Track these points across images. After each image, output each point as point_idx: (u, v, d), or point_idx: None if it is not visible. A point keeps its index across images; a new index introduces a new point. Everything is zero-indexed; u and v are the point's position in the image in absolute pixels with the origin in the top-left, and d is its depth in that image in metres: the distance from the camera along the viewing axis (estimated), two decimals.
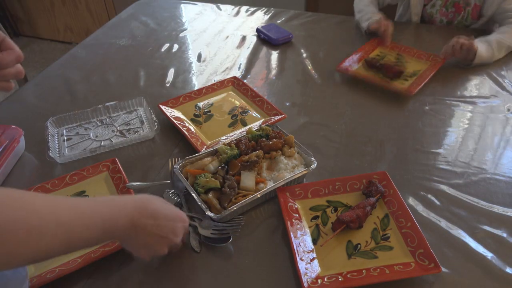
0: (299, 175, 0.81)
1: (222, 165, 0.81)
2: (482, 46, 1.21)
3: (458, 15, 1.44)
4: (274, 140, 0.86)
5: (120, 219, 0.54)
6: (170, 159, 0.90)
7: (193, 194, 0.75)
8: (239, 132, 0.96)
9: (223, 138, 0.95)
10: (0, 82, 0.60)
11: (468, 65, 1.21)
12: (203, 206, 0.73)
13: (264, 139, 0.87)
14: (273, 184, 0.79)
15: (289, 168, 0.83)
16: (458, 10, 1.43)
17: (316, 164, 0.82)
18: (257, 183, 0.79)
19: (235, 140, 0.87)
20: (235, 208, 0.73)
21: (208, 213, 0.72)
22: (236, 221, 0.75)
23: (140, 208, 0.57)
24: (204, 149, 0.89)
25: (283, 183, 0.79)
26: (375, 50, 1.30)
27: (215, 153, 0.85)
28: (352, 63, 1.22)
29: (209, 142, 0.94)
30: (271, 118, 0.99)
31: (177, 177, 0.81)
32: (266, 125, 0.91)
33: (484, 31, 1.44)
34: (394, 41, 1.32)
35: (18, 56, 0.60)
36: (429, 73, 1.15)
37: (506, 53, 1.26)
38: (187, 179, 0.80)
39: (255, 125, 0.97)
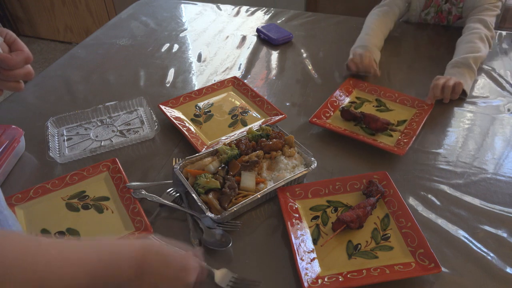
0: (299, 175, 0.81)
1: (223, 165, 0.81)
2: (464, 75, 1.10)
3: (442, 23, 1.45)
4: (274, 140, 0.86)
5: (124, 262, 0.47)
6: (174, 159, 0.90)
7: (193, 195, 0.75)
8: (239, 132, 0.96)
9: (223, 138, 0.95)
10: (10, 82, 0.61)
11: (461, 98, 1.09)
12: (203, 207, 0.73)
13: (264, 139, 0.87)
14: (273, 184, 0.79)
15: (289, 168, 0.83)
16: (442, 20, 1.44)
17: (316, 164, 0.82)
18: (257, 183, 0.79)
19: (235, 140, 0.87)
20: (235, 209, 0.73)
21: (208, 213, 0.72)
22: (232, 224, 0.75)
23: (144, 248, 0.50)
24: (204, 149, 0.89)
25: (283, 183, 0.79)
26: (351, 94, 1.10)
27: (215, 153, 0.85)
28: (326, 113, 1.02)
29: (209, 142, 0.94)
30: (271, 118, 0.99)
31: (177, 177, 0.81)
32: (266, 125, 0.91)
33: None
34: (371, 82, 1.13)
35: (28, 58, 0.60)
36: (418, 125, 0.96)
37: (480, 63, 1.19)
38: (187, 179, 0.80)
39: (255, 125, 0.97)
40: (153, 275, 0.50)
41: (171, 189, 0.81)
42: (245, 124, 0.99)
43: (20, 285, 0.38)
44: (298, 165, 0.84)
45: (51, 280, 0.41)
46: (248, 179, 0.79)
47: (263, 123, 0.98)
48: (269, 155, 0.85)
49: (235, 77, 1.15)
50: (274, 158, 0.85)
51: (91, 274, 0.44)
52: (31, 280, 0.39)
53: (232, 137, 0.93)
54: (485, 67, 1.23)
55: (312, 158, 0.83)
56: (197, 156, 0.84)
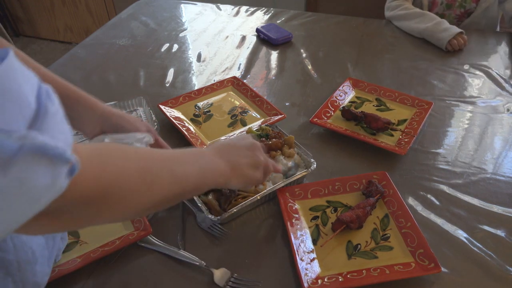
0: (299, 176, 0.81)
1: None
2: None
3: None
4: (274, 140, 0.86)
5: (205, 150, 0.59)
6: None
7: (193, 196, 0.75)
8: (239, 132, 0.96)
9: (223, 138, 0.95)
10: None
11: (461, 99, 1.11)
12: (203, 208, 0.73)
13: (263, 138, 0.87)
14: (272, 186, 0.79)
15: (287, 169, 0.83)
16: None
17: (315, 165, 0.82)
18: None
19: None
20: (235, 210, 0.73)
21: (209, 215, 0.72)
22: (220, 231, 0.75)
23: (212, 144, 0.62)
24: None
25: (282, 184, 0.79)
26: (350, 93, 1.11)
27: None
28: (327, 113, 1.02)
29: (209, 142, 0.94)
30: (271, 118, 0.99)
31: None
32: (266, 125, 0.91)
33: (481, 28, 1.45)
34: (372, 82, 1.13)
35: None
36: (418, 124, 0.96)
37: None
38: None
39: (254, 125, 0.97)
40: (230, 154, 0.61)
41: None
42: (244, 124, 0.99)
43: (169, 179, 0.47)
44: (298, 165, 0.84)
45: (182, 178, 0.50)
46: None
47: (262, 123, 0.98)
48: (268, 154, 0.85)
49: (234, 77, 1.15)
50: (274, 158, 0.85)
51: (200, 175, 0.54)
52: (170, 175, 0.48)
53: (231, 137, 0.93)
54: (485, 67, 1.23)
55: (312, 160, 0.83)
56: None
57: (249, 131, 0.89)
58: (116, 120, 0.70)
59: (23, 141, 0.27)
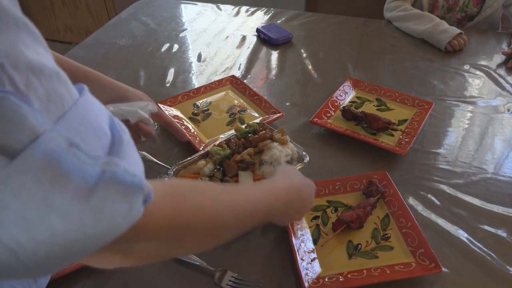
0: None
1: (218, 167, 0.81)
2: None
3: (459, 0, 1.45)
4: (261, 133, 0.86)
5: (274, 206, 0.58)
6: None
7: None
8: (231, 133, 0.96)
9: (222, 136, 0.95)
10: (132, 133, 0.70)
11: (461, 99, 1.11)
12: None
13: (251, 134, 0.87)
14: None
15: (284, 156, 0.81)
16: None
17: (308, 158, 0.81)
18: (254, 181, 0.79)
19: (224, 140, 0.87)
20: None
21: None
22: None
23: (289, 190, 0.61)
24: (201, 147, 0.89)
25: None
26: (351, 93, 1.10)
27: (207, 155, 0.85)
28: (327, 113, 1.02)
29: (207, 140, 0.94)
30: (269, 117, 0.99)
31: None
32: (252, 122, 0.91)
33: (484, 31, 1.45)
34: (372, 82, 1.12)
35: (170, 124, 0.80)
36: (418, 124, 0.96)
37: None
38: None
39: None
40: (291, 210, 0.62)
41: None
42: (243, 123, 0.99)
43: (231, 219, 0.47)
44: (292, 155, 0.83)
45: (246, 220, 0.51)
46: (246, 179, 0.79)
47: (261, 121, 0.98)
48: (257, 148, 0.84)
49: (233, 76, 1.15)
50: (264, 146, 0.84)
51: (259, 216, 0.54)
52: (235, 221, 0.48)
53: (221, 138, 0.92)
54: (485, 67, 1.23)
55: (304, 153, 0.82)
56: (189, 160, 0.83)
57: (237, 129, 0.89)
58: (119, 91, 0.73)
59: (105, 167, 0.29)
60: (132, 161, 0.32)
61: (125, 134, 0.33)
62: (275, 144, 0.83)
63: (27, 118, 0.25)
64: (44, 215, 0.26)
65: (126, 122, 0.71)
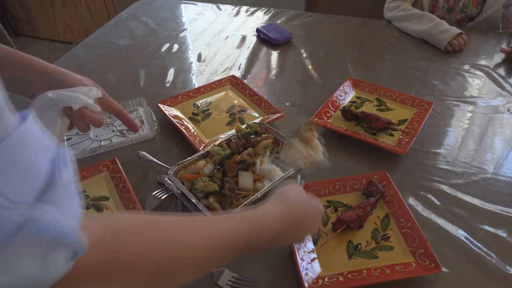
0: (292, 172, 0.80)
1: (218, 167, 0.81)
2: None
3: (459, 1, 1.45)
4: (263, 135, 0.86)
5: (262, 235, 0.51)
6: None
7: (193, 200, 0.75)
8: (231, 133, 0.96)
9: (222, 136, 0.95)
10: (80, 122, 0.70)
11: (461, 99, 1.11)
12: (206, 211, 0.73)
13: (253, 136, 0.87)
14: (270, 183, 0.79)
15: (302, 158, 0.74)
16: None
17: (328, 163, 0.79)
18: (254, 181, 0.79)
19: (225, 140, 0.87)
20: (238, 210, 0.73)
21: None
22: None
23: (283, 217, 0.54)
24: (201, 147, 0.89)
25: (280, 181, 0.79)
26: (351, 93, 1.10)
27: (207, 155, 0.85)
28: (327, 113, 1.02)
29: (207, 140, 0.94)
30: (269, 117, 0.99)
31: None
32: (253, 123, 0.91)
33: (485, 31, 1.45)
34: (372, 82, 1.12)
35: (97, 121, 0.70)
36: (418, 124, 0.96)
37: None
38: (182, 184, 0.79)
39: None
40: (286, 236, 0.56)
41: (158, 191, 0.81)
42: (243, 123, 0.99)
43: (188, 261, 0.42)
44: (315, 158, 0.74)
45: (213, 257, 0.45)
46: (245, 179, 0.79)
47: (261, 121, 0.98)
48: (256, 148, 0.84)
49: (233, 76, 1.15)
50: (266, 148, 0.84)
51: (238, 248, 0.47)
52: (196, 260, 0.43)
53: (222, 138, 0.92)
54: (485, 67, 1.23)
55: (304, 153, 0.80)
56: (189, 160, 0.83)
57: (238, 129, 0.89)
58: (60, 77, 0.68)
59: (29, 215, 0.25)
60: (66, 208, 0.29)
61: (67, 173, 0.30)
62: (297, 141, 0.76)
63: None
64: None
65: (70, 110, 0.66)
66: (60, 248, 0.28)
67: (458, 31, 1.29)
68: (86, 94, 0.68)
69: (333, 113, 1.02)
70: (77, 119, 0.69)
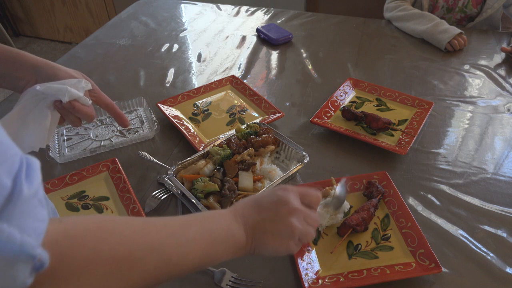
0: (294, 170, 0.81)
1: (218, 167, 0.81)
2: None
3: (458, 1, 1.45)
4: (263, 136, 0.86)
5: (216, 230, 0.48)
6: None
7: (193, 200, 0.75)
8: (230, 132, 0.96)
9: (222, 136, 0.95)
10: (71, 116, 0.68)
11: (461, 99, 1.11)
12: (206, 211, 0.73)
13: (253, 136, 0.87)
14: (271, 183, 0.79)
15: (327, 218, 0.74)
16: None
17: (308, 158, 0.82)
18: (254, 181, 0.79)
19: (225, 140, 0.87)
20: None
21: None
22: None
23: (233, 210, 0.52)
24: (201, 148, 0.89)
25: (280, 181, 0.79)
26: (351, 93, 1.10)
27: (207, 155, 0.85)
28: (327, 113, 1.02)
29: (207, 141, 0.94)
30: (269, 117, 0.99)
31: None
32: (253, 123, 0.91)
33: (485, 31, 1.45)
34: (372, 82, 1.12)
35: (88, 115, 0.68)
36: (418, 124, 0.96)
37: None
38: (182, 184, 0.79)
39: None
40: (258, 224, 0.51)
41: (158, 191, 0.81)
42: (243, 123, 0.99)
43: (145, 264, 0.40)
44: (334, 201, 0.75)
45: (178, 259, 0.43)
46: (245, 179, 0.79)
47: (261, 121, 0.98)
48: (258, 152, 0.85)
49: (233, 76, 1.15)
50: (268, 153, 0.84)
51: (205, 252, 0.46)
52: (154, 258, 0.41)
53: (221, 138, 0.92)
54: (485, 67, 1.23)
55: (304, 153, 0.83)
56: (189, 160, 0.83)
57: (238, 130, 0.89)
58: (49, 70, 0.66)
59: None
60: (26, 224, 0.28)
61: (30, 187, 0.29)
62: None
63: None
64: None
65: (60, 103, 0.65)
66: (19, 265, 0.27)
67: (458, 31, 1.29)
68: (75, 86, 0.66)
69: (333, 113, 1.02)
70: (68, 113, 0.67)
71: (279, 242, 0.51)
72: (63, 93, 0.64)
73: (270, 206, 0.52)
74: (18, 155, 0.29)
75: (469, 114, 1.04)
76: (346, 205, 0.76)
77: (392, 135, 0.95)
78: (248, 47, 1.37)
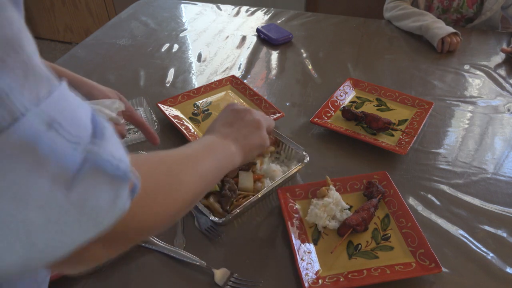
0: (295, 170, 0.81)
1: None
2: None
3: (453, 1, 1.45)
4: None
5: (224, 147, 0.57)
6: None
7: None
8: None
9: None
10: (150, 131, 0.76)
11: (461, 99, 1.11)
12: (206, 211, 0.73)
13: None
14: (270, 183, 0.79)
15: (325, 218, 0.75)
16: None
17: (308, 158, 0.82)
18: (254, 181, 0.79)
19: None
20: (238, 211, 0.73)
21: (212, 217, 0.72)
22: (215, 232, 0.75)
23: (220, 132, 0.61)
24: None
25: (280, 180, 0.79)
26: (351, 93, 1.10)
27: None
28: (327, 113, 1.02)
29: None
30: (270, 117, 0.99)
31: None
32: None
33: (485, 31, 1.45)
34: (372, 83, 1.12)
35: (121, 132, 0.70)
36: (419, 124, 0.96)
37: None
38: None
39: None
40: (238, 134, 0.60)
41: None
42: None
43: (194, 179, 0.46)
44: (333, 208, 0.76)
45: (207, 175, 0.50)
46: (246, 179, 0.79)
47: None
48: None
49: (233, 76, 1.15)
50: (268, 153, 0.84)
51: (218, 167, 0.54)
52: (199, 175, 0.47)
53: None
54: (485, 67, 1.23)
55: (304, 153, 0.83)
56: None
57: None
58: (84, 89, 0.67)
59: (88, 151, 0.26)
60: (116, 151, 0.29)
61: (108, 129, 0.30)
62: (314, 201, 0.77)
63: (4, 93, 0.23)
64: (21, 208, 0.24)
65: None
66: (123, 181, 0.29)
67: (455, 30, 1.29)
68: (109, 108, 0.66)
69: (333, 113, 1.02)
70: None
71: (256, 137, 0.62)
72: None
73: (235, 118, 0.63)
74: (90, 107, 0.30)
75: (469, 114, 1.04)
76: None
77: (392, 135, 0.95)
78: (248, 47, 1.37)
